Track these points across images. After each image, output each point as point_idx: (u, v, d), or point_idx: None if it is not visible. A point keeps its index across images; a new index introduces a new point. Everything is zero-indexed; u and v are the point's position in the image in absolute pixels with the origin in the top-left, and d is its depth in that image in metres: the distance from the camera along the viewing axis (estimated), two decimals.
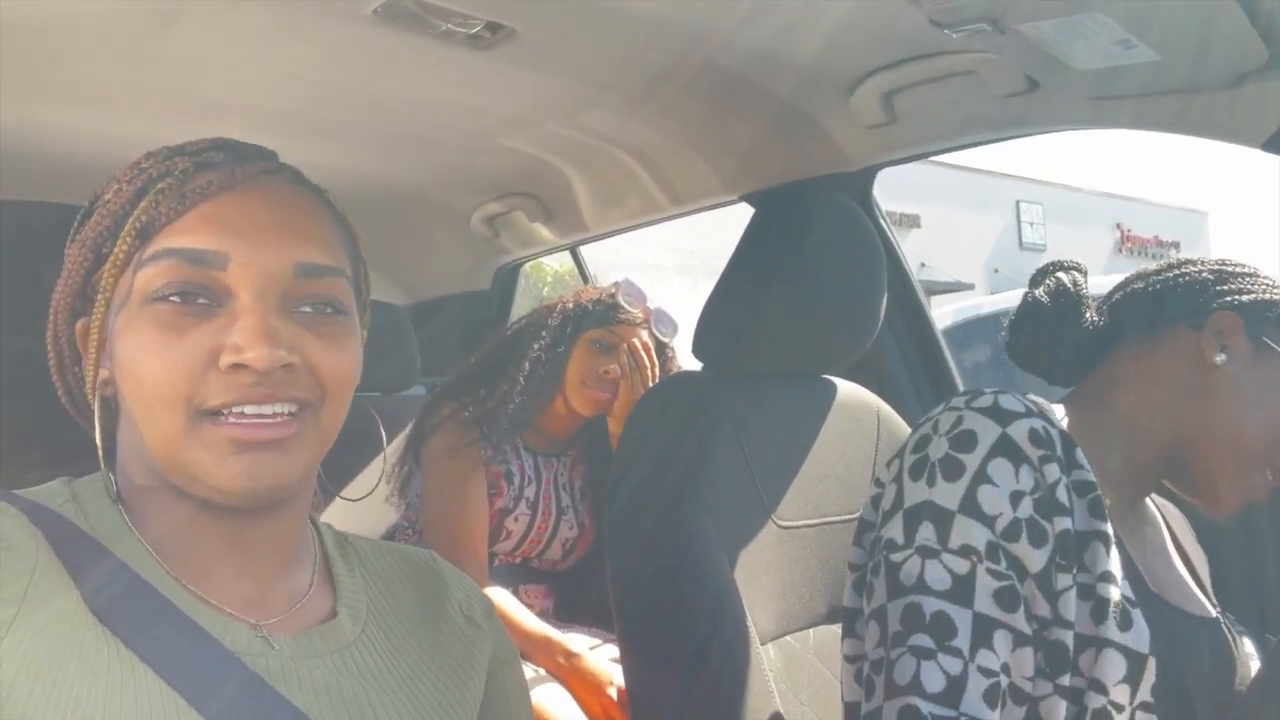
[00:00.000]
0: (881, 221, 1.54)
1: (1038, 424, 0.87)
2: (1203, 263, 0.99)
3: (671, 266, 9.75)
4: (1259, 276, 0.96)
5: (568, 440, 1.80)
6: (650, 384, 1.67)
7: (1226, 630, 0.94)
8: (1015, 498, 0.83)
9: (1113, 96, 1.12)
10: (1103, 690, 0.80)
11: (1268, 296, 0.93)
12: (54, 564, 0.57)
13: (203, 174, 0.64)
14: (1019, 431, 0.86)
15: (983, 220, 16.46)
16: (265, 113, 1.43)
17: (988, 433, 0.86)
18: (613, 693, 1.43)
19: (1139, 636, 0.82)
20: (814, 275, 1.20)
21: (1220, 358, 0.92)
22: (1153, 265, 1.02)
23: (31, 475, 0.67)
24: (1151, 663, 0.81)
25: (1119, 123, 1.19)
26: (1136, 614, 0.83)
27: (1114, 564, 0.84)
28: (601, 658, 1.48)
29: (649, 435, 1.18)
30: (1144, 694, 0.81)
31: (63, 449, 0.68)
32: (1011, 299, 3.75)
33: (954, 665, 0.79)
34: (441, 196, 1.98)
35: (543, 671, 1.47)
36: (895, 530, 0.87)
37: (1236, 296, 0.93)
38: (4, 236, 0.84)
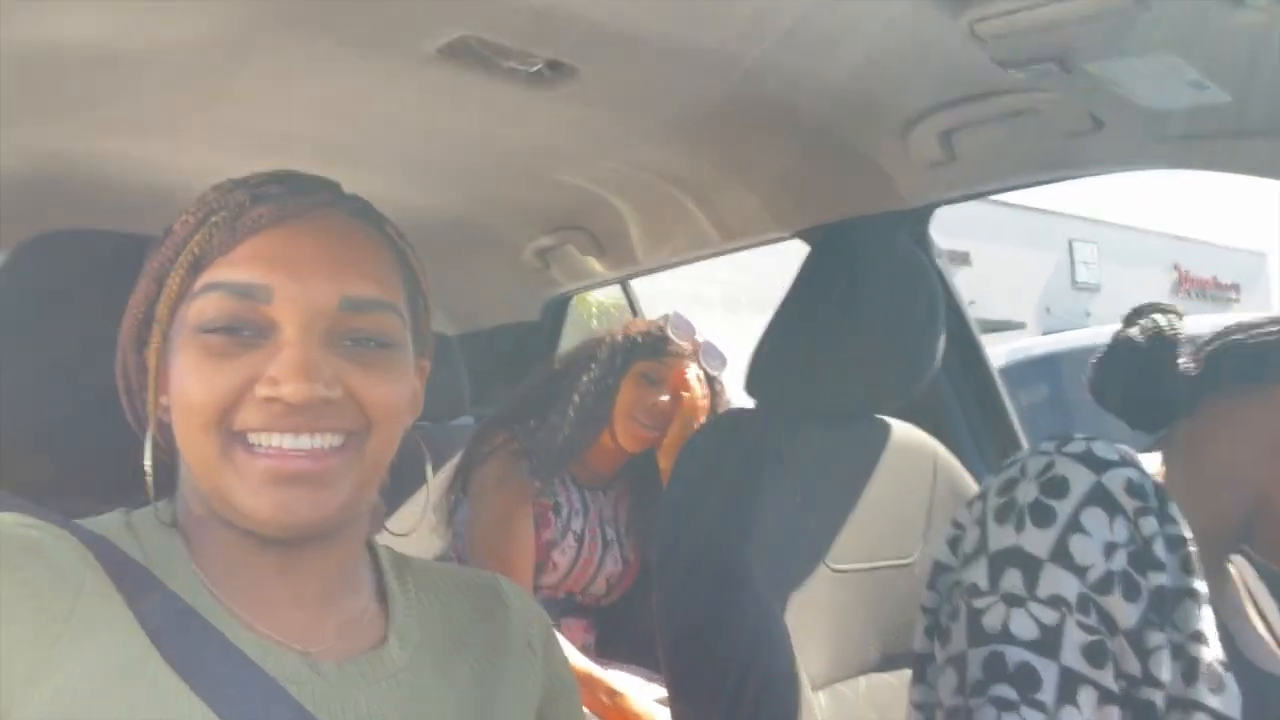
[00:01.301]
0: (937, 260, 1.52)
1: (1134, 474, 0.84)
2: None
3: (714, 299, 9.74)
4: None
5: (614, 475, 1.80)
6: (700, 419, 1.66)
7: None
8: (1109, 549, 0.80)
9: (1180, 138, 1.09)
10: None
11: None
12: (106, 588, 0.58)
13: (256, 207, 0.64)
14: (1115, 481, 0.83)
15: (1035, 258, 16.20)
16: (326, 145, 1.46)
17: (1081, 480, 0.83)
18: None
19: (1230, 701, 0.79)
20: (869, 314, 1.19)
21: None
22: (1255, 316, 0.97)
23: (94, 505, 0.69)
24: None
25: (1185, 164, 1.16)
26: (1229, 677, 0.80)
27: (1208, 621, 0.81)
28: (645, 697, 1.46)
29: (700, 473, 1.17)
30: None
31: (128, 479, 0.69)
32: (1066, 339, 3.67)
33: (1037, 719, 0.76)
34: (495, 229, 2.00)
35: (585, 710, 1.45)
36: (979, 575, 0.84)
37: None
38: (71, 264, 0.85)
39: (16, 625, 0.55)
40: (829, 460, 1.20)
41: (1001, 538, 0.84)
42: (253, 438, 0.61)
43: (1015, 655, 0.79)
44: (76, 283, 0.83)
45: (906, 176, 1.40)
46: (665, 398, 1.66)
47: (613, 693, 1.45)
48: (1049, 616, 0.79)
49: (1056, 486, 0.83)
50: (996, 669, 0.79)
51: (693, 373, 1.69)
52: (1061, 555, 0.80)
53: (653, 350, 1.69)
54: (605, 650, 1.74)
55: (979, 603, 0.83)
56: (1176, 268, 18.62)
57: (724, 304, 9.66)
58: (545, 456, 1.64)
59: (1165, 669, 0.78)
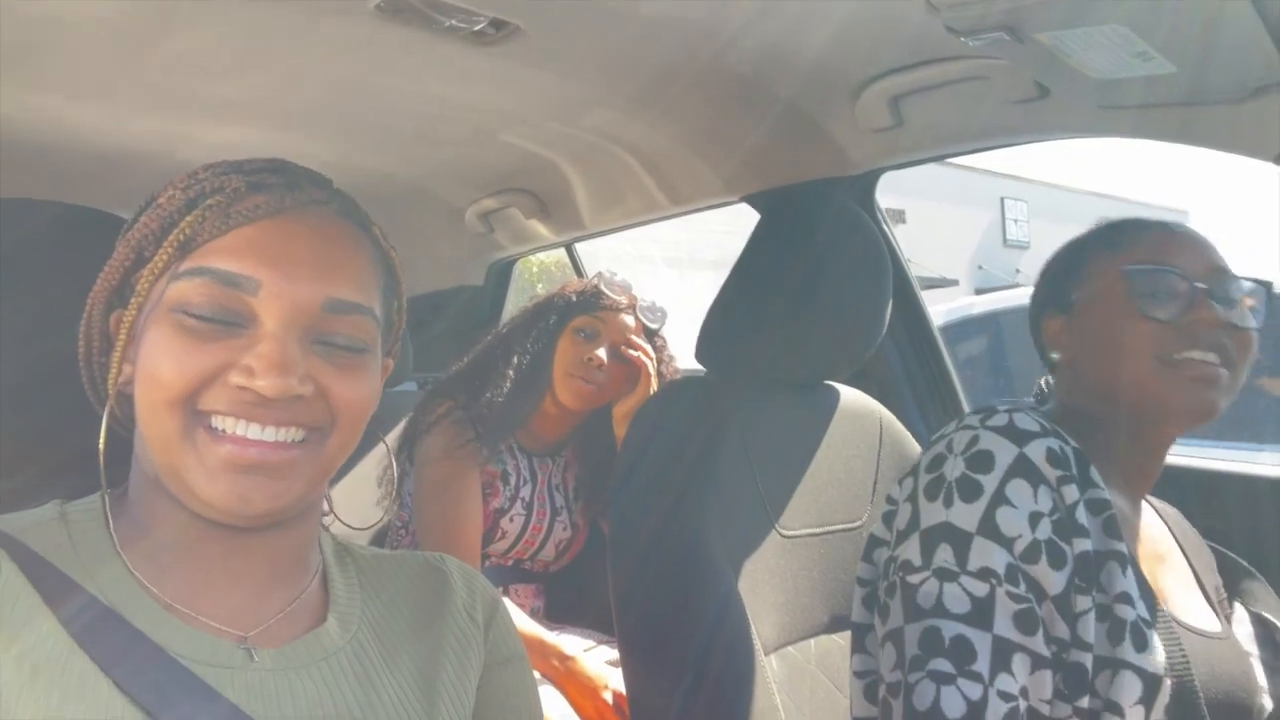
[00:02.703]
0: (884, 225, 1.53)
1: (1054, 443, 0.86)
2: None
3: (659, 258, 9.73)
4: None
5: (561, 442, 1.79)
6: (647, 375, 1.66)
7: (1235, 645, 0.94)
8: (1034, 519, 0.82)
9: (1123, 106, 1.11)
10: (1119, 712, 0.80)
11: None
12: (22, 588, 0.58)
13: (252, 196, 0.65)
14: (1036, 451, 0.85)
15: (968, 216, 16.52)
16: (266, 108, 1.41)
17: (1005, 453, 0.85)
18: (608, 696, 1.42)
19: (1154, 657, 0.81)
20: (819, 281, 1.19)
21: (1055, 355, 1.01)
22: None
23: (43, 481, 0.68)
24: (1166, 684, 0.81)
25: (1126, 132, 1.18)
26: (1152, 634, 0.83)
27: (1131, 582, 0.84)
28: (596, 660, 1.47)
29: (653, 439, 1.17)
30: (1158, 714, 0.80)
31: (73, 457, 0.66)
32: (1002, 299, 3.75)
33: (974, 690, 0.78)
34: (437, 191, 1.95)
35: (537, 674, 1.46)
36: (911, 551, 0.86)
37: (1045, 297, 1.04)
38: (10, 234, 0.80)
39: None
40: (779, 427, 1.21)
41: (932, 514, 0.86)
42: (217, 421, 0.61)
43: (950, 629, 0.81)
44: (17, 253, 0.78)
45: (854, 142, 1.40)
46: (601, 350, 1.65)
47: (564, 657, 1.46)
48: (980, 589, 0.81)
49: (981, 461, 0.86)
50: (933, 643, 0.81)
51: (629, 323, 1.69)
52: (989, 528, 0.82)
53: (586, 306, 1.68)
54: (555, 614, 1.75)
55: (913, 578, 0.85)
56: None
57: (667, 262, 9.66)
58: (490, 424, 1.62)
59: (1092, 631, 0.81)
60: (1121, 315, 0.93)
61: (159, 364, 0.61)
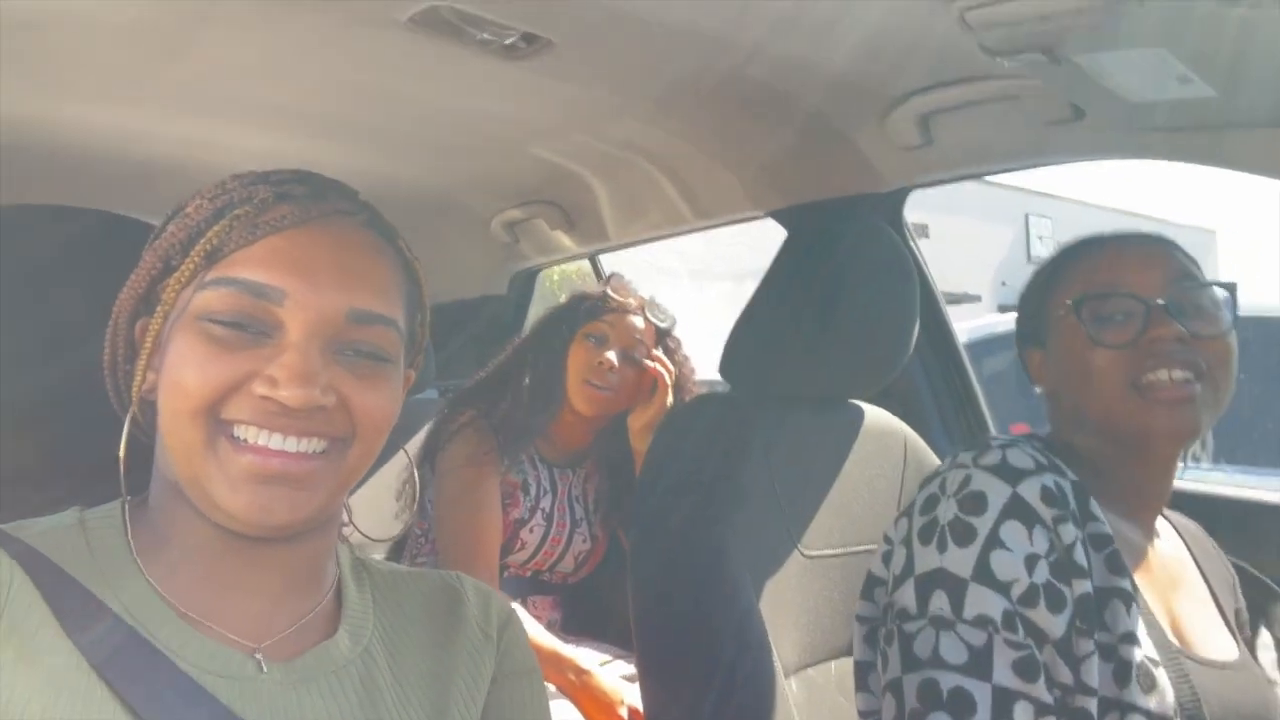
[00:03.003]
0: (912, 243, 1.52)
1: (1050, 480, 0.84)
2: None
3: (682, 271, 9.73)
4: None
5: (582, 452, 1.78)
6: (665, 382, 1.66)
7: (1253, 674, 0.91)
8: (1030, 562, 0.80)
9: (1161, 130, 1.09)
10: None
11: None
12: (26, 591, 0.58)
13: (279, 206, 0.65)
14: (1030, 491, 0.83)
15: (992, 232, 16.39)
16: (293, 114, 1.42)
17: (998, 493, 0.83)
18: (623, 712, 1.41)
19: (1163, 699, 0.79)
20: (846, 298, 1.18)
21: (1038, 389, 1.01)
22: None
23: (69, 489, 0.68)
24: None
25: (1159, 154, 1.17)
26: (1160, 673, 0.80)
27: (1136, 621, 0.81)
28: (612, 675, 1.46)
29: (675, 455, 1.16)
30: None
31: (94, 464, 0.66)
32: None
33: None
34: (463, 201, 1.96)
35: (552, 688, 1.45)
36: (907, 598, 0.84)
37: (1024, 330, 1.04)
38: (35, 240, 0.81)
39: None
40: (803, 445, 1.20)
41: (926, 559, 0.84)
42: (239, 431, 0.61)
43: (948, 681, 0.79)
44: (43, 260, 0.79)
45: (883, 159, 1.39)
46: (611, 354, 1.64)
47: (580, 670, 1.45)
48: (977, 638, 0.79)
49: (974, 503, 0.83)
50: (931, 696, 0.79)
51: (638, 324, 1.68)
52: (984, 574, 0.80)
53: (594, 312, 1.68)
54: (572, 627, 1.74)
55: (909, 627, 0.83)
56: None
57: (691, 275, 9.65)
58: (510, 434, 1.63)
59: (1095, 675, 0.79)
60: (1081, 347, 0.91)
61: (183, 372, 0.61)
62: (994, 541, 0.81)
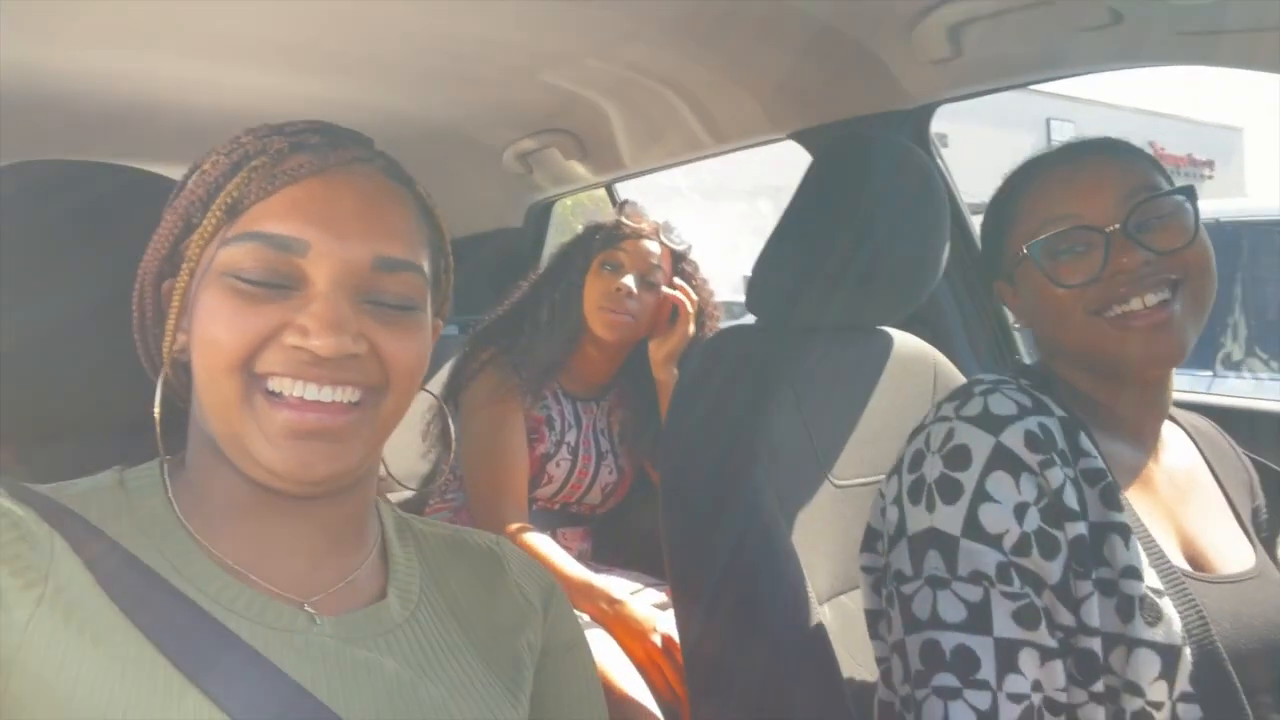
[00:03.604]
0: (940, 161, 1.47)
1: (1033, 423, 0.82)
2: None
3: (696, 192, 9.59)
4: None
5: (605, 385, 1.78)
6: (686, 310, 1.64)
7: (1271, 581, 0.89)
8: (1020, 511, 0.79)
9: (1201, 31, 1.04)
10: (1138, 691, 0.77)
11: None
12: (68, 553, 0.58)
13: (296, 155, 0.64)
14: (1014, 438, 0.81)
15: (1012, 138, 15.96)
16: (299, 50, 1.37)
17: (981, 445, 0.81)
18: (656, 639, 1.43)
19: (1169, 628, 0.78)
20: (873, 222, 1.14)
21: (1017, 325, 1.00)
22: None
23: (105, 446, 0.68)
24: (1186, 653, 0.77)
25: (1202, 59, 1.11)
26: (1165, 603, 0.79)
27: (1136, 553, 0.80)
28: (644, 604, 1.48)
29: (702, 390, 1.15)
30: (1182, 685, 0.77)
31: (132, 423, 0.66)
32: None
33: (982, 699, 0.76)
34: (475, 133, 1.92)
35: (585, 617, 1.48)
36: (902, 560, 0.83)
37: (989, 263, 0.99)
38: (51, 196, 0.79)
39: (10, 579, 0.55)
40: (832, 374, 1.18)
41: (917, 519, 0.83)
42: (274, 384, 0.61)
43: (949, 639, 0.78)
44: (59, 215, 0.77)
45: (910, 74, 1.33)
46: (628, 279, 1.63)
47: (612, 600, 1.47)
48: (973, 594, 0.78)
49: (958, 457, 0.82)
50: (934, 657, 0.79)
51: (653, 249, 1.66)
52: (974, 529, 0.79)
53: (608, 239, 1.67)
54: (602, 557, 1.77)
55: (906, 589, 0.82)
56: (1152, 145, 18.33)
57: (704, 196, 9.51)
58: (532, 368, 1.62)
59: (1096, 615, 0.78)
60: (1044, 287, 0.88)
61: (214, 329, 0.61)
62: (981, 495, 0.80)
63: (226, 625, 0.60)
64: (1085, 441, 0.84)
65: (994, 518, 0.79)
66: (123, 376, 0.72)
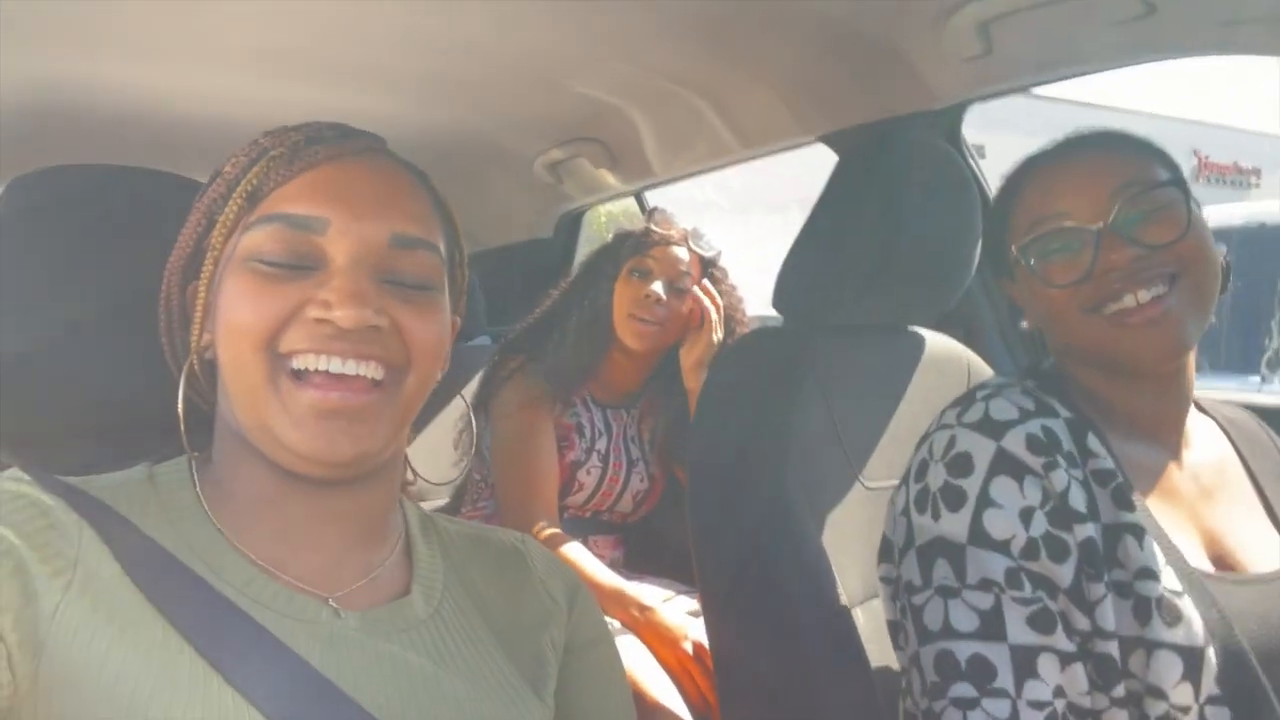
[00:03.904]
0: (972, 161, 1.45)
1: (1035, 426, 0.81)
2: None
3: (726, 205, 9.58)
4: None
5: (635, 393, 1.78)
6: (712, 317, 1.63)
7: None
8: (1025, 515, 0.78)
9: (1244, 20, 1.01)
10: (1161, 695, 0.74)
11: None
12: (96, 542, 0.59)
13: (312, 145, 0.66)
14: (1015, 442, 0.80)
15: None
16: (327, 61, 1.40)
17: (983, 451, 0.80)
18: (688, 646, 1.42)
19: (1190, 629, 0.75)
20: (903, 221, 1.13)
21: (1024, 323, 0.95)
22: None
23: (131, 445, 0.69)
24: (1209, 653, 0.75)
25: (1248, 49, 1.08)
26: (1184, 603, 0.77)
27: (1151, 554, 0.78)
28: (676, 611, 1.47)
29: (731, 393, 1.14)
30: (1209, 688, 0.74)
31: (160, 421, 0.67)
32: None
33: (1001, 708, 0.75)
34: (504, 143, 1.93)
35: (617, 624, 1.47)
36: (912, 571, 0.83)
37: (994, 262, 0.97)
38: (70, 200, 0.81)
39: (40, 565, 0.56)
40: (862, 375, 1.17)
41: (924, 529, 0.82)
42: (298, 362, 0.61)
43: (963, 649, 0.77)
44: (83, 218, 0.79)
45: (939, 73, 1.31)
46: (657, 286, 1.63)
47: (644, 607, 1.46)
48: (984, 601, 0.77)
49: (961, 464, 0.81)
50: (949, 668, 0.77)
51: (682, 256, 1.66)
52: (980, 536, 0.78)
53: (637, 247, 1.67)
54: (634, 565, 1.76)
55: (917, 600, 0.81)
56: (1196, 154, 18.12)
57: (735, 209, 9.50)
58: (561, 376, 1.63)
59: (1110, 619, 0.76)
60: (1037, 289, 0.87)
61: (238, 311, 0.62)
62: (985, 501, 0.79)
63: (253, 617, 0.60)
64: (1094, 442, 0.83)
65: (999, 524, 0.78)
66: (146, 377, 0.73)
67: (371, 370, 0.62)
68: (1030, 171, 0.92)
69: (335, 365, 0.61)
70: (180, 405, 0.66)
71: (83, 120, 1.52)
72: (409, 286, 0.65)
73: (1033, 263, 0.86)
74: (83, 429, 0.76)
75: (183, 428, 0.66)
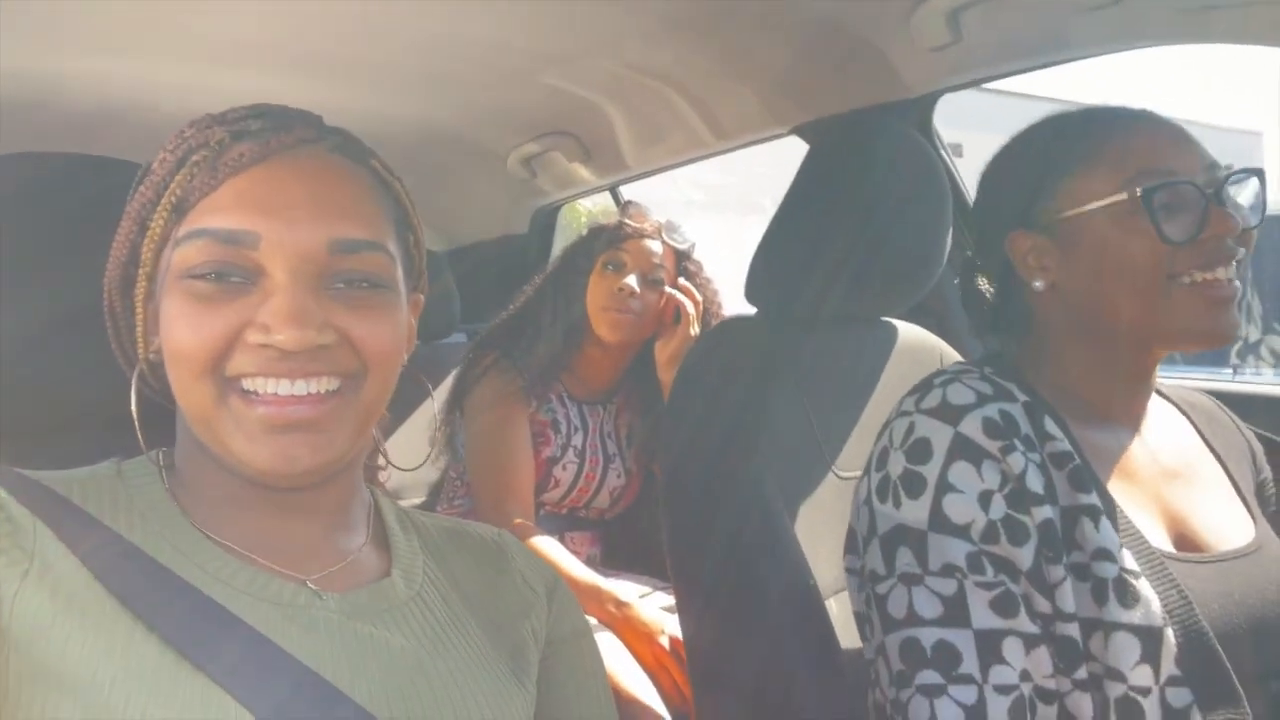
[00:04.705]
0: (943, 151, 1.45)
1: (991, 411, 0.81)
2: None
3: (703, 202, 9.59)
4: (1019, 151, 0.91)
5: (611, 388, 1.77)
6: (688, 312, 1.63)
7: (1270, 555, 0.86)
8: (984, 499, 0.78)
9: (1212, 7, 1.02)
10: (1120, 677, 0.74)
11: (1036, 178, 0.88)
12: (51, 536, 0.58)
13: (237, 145, 0.62)
14: (972, 427, 0.80)
15: None
16: (298, 54, 1.38)
17: (941, 436, 0.80)
18: (664, 641, 1.41)
19: (1147, 610, 0.75)
20: (875, 211, 1.13)
21: (1039, 284, 0.88)
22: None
23: (85, 443, 0.68)
24: (1168, 634, 0.74)
25: (1214, 36, 1.09)
26: (1141, 584, 0.76)
27: (1108, 535, 0.78)
28: (652, 606, 1.46)
29: (703, 385, 1.13)
30: (1168, 669, 0.74)
31: (119, 418, 0.66)
32: None
33: (968, 694, 0.74)
34: (477, 138, 1.92)
35: (594, 620, 1.46)
36: (875, 560, 0.82)
37: (1007, 210, 0.89)
38: (31, 188, 0.79)
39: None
40: (834, 366, 1.16)
41: (886, 517, 0.82)
42: (248, 384, 0.60)
43: (928, 636, 0.77)
44: (38, 207, 0.77)
45: (909, 63, 1.32)
46: (630, 279, 1.63)
47: (620, 603, 1.45)
48: (947, 587, 0.77)
49: (920, 450, 0.81)
50: (914, 655, 0.77)
51: (655, 248, 1.65)
52: (940, 521, 0.78)
53: (610, 239, 1.66)
54: (611, 561, 1.75)
55: (881, 588, 0.81)
56: None
57: (710, 206, 9.51)
58: (536, 371, 1.62)
59: (1070, 601, 0.76)
60: (1130, 235, 0.81)
61: (178, 336, 0.60)
62: (944, 486, 0.78)
63: (231, 603, 0.59)
64: (1051, 425, 0.83)
65: (959, 508, 0.78)
66: (115, 372, 0.71)
67: (324, 385, 0.61)
68: (1105, 122, 0.87)
69: (284, 387, 0.59)
70: (134, 408, 0.65)
71: (54, 111, 1.49)
72: (356, 289, 0.62)
73: (1157, 209, 0.81)
74: (52, 424, 0.75)
75: (138, 429, 0.65)
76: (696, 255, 1.73)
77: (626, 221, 1.66)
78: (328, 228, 0.61)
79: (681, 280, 1.68)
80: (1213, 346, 0.84)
